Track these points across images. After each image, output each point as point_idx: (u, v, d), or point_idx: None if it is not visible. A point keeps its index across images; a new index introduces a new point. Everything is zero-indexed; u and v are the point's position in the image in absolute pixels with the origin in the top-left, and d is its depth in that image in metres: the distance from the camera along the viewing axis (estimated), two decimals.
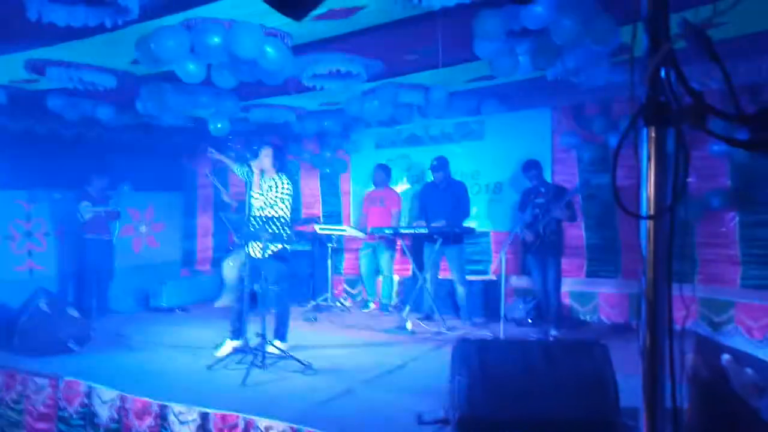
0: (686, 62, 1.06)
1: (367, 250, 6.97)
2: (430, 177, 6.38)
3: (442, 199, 6.14)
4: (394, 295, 6.95)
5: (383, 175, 6.92)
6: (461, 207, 6.12)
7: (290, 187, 4.77)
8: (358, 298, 7.36)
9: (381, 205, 6.84)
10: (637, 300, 5.26)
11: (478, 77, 5.14)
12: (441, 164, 6.14)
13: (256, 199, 4.73)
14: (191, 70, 4.07)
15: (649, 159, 1.02)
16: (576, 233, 6.10)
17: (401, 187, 7.26)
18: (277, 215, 4.58)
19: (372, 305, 6.96)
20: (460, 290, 6.02)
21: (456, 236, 5.91)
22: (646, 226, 1.03)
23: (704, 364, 2.88)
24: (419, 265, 6.07)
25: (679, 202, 0.95)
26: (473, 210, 6.36)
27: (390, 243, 6.83)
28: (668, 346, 1.00)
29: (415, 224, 6.41)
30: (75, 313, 5.25)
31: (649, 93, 0.96)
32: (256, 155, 4.73)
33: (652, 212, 1.01)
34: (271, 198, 4.69)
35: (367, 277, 7.05)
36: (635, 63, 1.00)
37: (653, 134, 1.01)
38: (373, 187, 7.07)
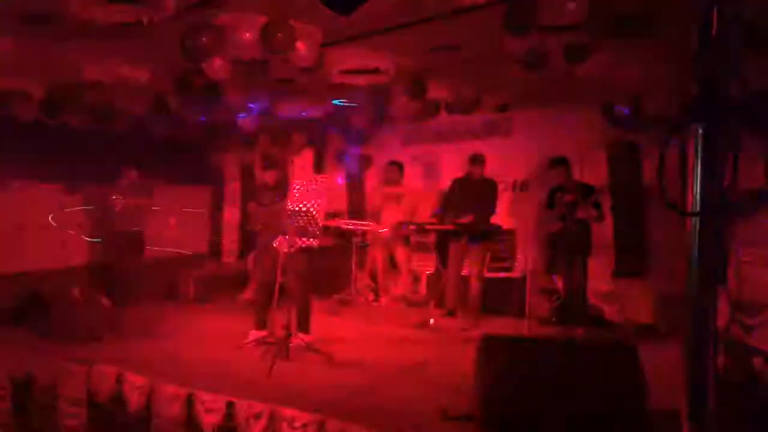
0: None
1: (381, 246, 6.95)
2: (453, 173, 6.30)
3: (472, 194, 6.04)
4: (415, 290, 6.94)
5: (396, 171, 6.87)
6: (489, 204, 6.05)
7: (325, 183, 4.79)
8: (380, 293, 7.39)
9: (396, 202, 6.80)
10: (666, 301, 5.09)
11: (506, 73, 5.07)
12: (480, 160, 6.00)
13: (293, 192, 4.76)
14: (221, 66, 4.13)
15: (696, 157, 1.00)
16: (603, 232, 6.01)
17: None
18: (306, 209, 4.61)
19: (382, 299, 6.98)
20: (476, 284, 5.98)
21: (484, 232, 5.86)
22: (691, 227, 1.00)
23: (737, 367, 2.82)
24: (443, 261, 6.05)
25: (726, 200, 0.93)
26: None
27: (407, 238, 6.81)
28: (711, 348, 0.98)
29: (432, 215, 6.32)
30: (106, 303, 5.38)
31: (701, 89, 0.94)
32: (297, 151, 4.78)
33: (698, 211, 0.99)
34: (306, 192, 4.72)
35: (381, 271, 7.04)
36: (682, 56, 0.98)
37: (701, 131, 0.99)
38: (386, 184, 7.01)
